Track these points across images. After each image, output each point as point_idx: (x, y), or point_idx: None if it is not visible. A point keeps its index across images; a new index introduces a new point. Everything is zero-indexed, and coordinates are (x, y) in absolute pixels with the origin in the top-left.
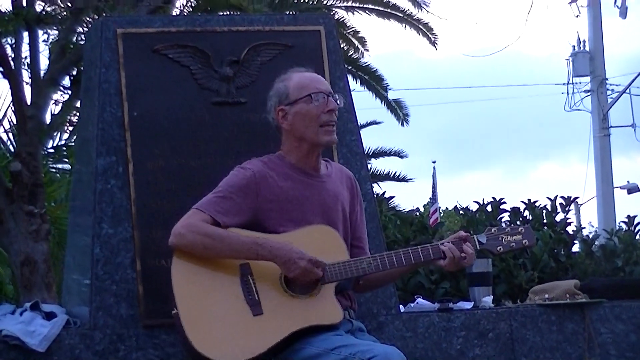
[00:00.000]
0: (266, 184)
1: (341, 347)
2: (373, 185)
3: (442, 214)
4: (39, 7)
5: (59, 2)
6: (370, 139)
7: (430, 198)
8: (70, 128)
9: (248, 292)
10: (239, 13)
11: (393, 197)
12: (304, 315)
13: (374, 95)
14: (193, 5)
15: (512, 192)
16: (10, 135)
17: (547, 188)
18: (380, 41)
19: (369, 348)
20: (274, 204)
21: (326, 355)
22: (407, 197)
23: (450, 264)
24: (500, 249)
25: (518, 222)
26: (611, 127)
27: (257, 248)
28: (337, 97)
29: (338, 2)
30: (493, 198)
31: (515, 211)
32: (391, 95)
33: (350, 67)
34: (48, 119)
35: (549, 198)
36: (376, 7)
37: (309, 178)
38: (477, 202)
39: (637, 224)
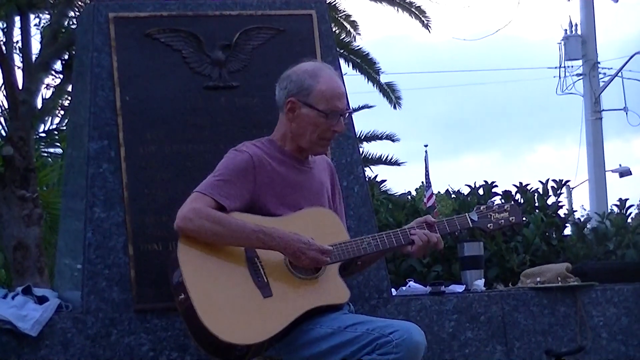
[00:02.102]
0: (263, 168)
1: (356, 325)
2: (365, 169)
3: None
4: None
5: None
6: (362, 123)
7: (422, 182)
8: (62, 112)
9: (256, 275)
10: None
11: (385, 180)
12: (312, 296)
13: (366, 79)
14: None
15: (510, 175)
16: (2, 119)
17: (543, 171)
18: (378, 26)
19: (388, 324)
20: (271, 188)
21: (339, 333)
22: (399, 181)
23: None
24: (490, 226)
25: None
26: (603, 110)
27: (264, 238)
28: (350, 112)
29: None
30: (485, 181)
31: (507, 194)
32: (384, 79)
33: (342, 51)
34: (40, 103)
35: (540, 181)
36: None
37: (300, 164)
38: (469, 186)
39: (629, 207)
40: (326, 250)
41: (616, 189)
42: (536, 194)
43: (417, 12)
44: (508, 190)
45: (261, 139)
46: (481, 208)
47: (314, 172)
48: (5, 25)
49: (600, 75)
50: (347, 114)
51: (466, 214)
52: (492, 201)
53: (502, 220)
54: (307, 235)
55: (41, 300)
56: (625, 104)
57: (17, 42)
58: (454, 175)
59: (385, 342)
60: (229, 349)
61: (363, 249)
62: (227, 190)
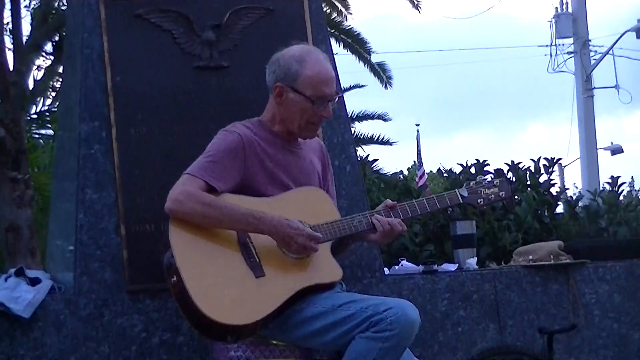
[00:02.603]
0: (253, 148)
1: (349, 303)
2: (357, 148)
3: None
4: None
5: None
6: (354, 103)
7: (414, 161)
8: (53, 94)
9: (248, 255)
10: None
11: (377, 160)
12: (305, 275)
13: (357, 59)
14: None
15: (502, 153)
16: None
17: (535, 149)
18: (368, 5)
19: (382, 301)
20: (261, 169)
21: (333, 312)
22: (391, 160)
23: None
24: (480, 201)
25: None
26: (594, 88)
27: (255, 221)
28: (338, 95)
29: None
30: (477, 160)
31: (498, 173)
32: (375, 59)
33: (333, 31)
34: (31, 84)
35: (532, 159)
36: None
37: (289, 145)
38: (461, 164)
39: (621, 185)
40: (315, 237)
41: (608, 167)
42: (528, 172)
43: None
44: (500, 169)
45: (251, 120)
46: (471, 184)
47: (304, 152)
48: None
49: (592, 53)
50: (336, 98)
51: (456, 190)
52: (482, 177)
53: (492, 196)
54: (299, 214)
55: (33, 282)
56: (617, 82)
57: (8, 23)
58: (445, 154)
59: (379, 319)
60: (223, 330)
61: (354, 227)
62: (218, 171)
